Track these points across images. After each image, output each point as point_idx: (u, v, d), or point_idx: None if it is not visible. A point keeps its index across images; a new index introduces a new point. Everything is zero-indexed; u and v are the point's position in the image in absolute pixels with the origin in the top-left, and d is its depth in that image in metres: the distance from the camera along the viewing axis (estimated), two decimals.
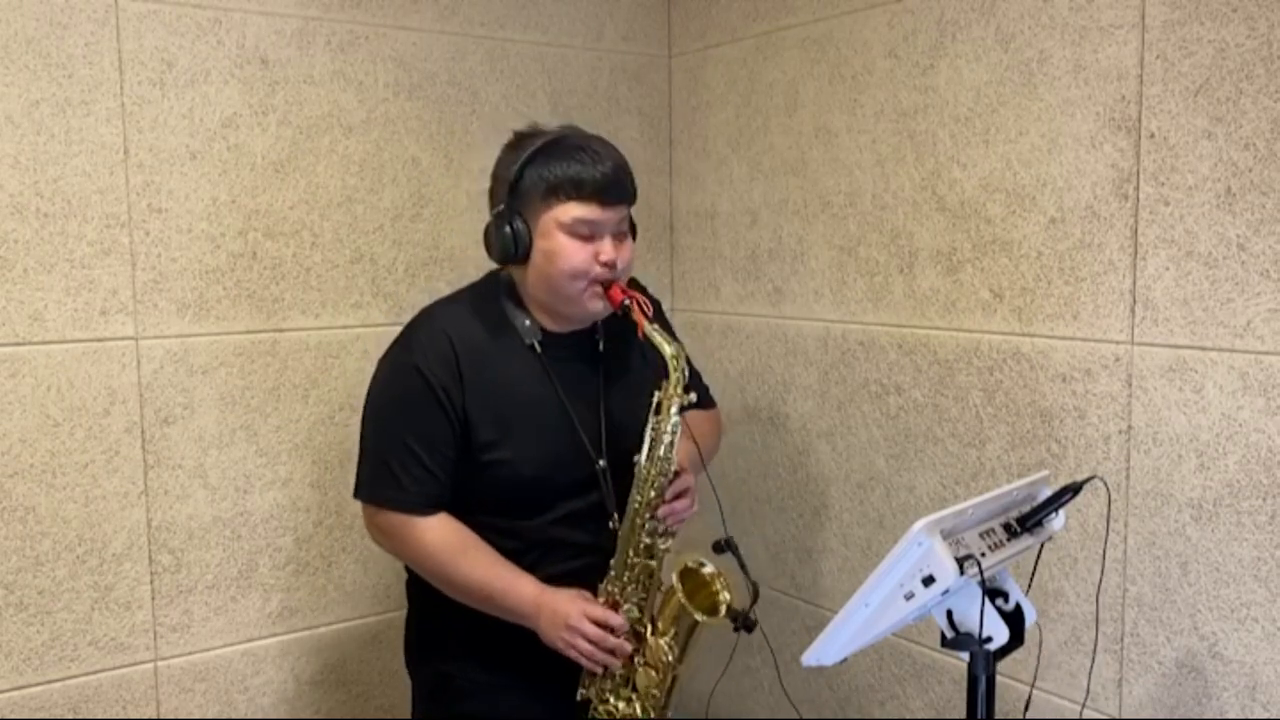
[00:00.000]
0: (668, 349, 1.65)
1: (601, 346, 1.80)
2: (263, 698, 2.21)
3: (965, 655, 1.42)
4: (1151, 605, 1.76)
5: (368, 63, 2.23)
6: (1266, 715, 1.64)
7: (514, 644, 1.72)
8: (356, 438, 2.23)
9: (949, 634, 1.43)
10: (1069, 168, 1.82)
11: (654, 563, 1.71)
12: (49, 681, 1.98)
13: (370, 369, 2.23)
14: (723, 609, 1.71)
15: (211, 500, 2.11)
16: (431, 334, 1.71)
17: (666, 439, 1.66)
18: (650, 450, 1.67)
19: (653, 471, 1.67)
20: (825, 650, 1.43)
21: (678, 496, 1.71)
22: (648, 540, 1.69)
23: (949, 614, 1.42)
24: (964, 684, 1.45)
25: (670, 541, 1.72)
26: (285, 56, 2.13)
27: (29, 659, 1.96)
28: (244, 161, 2.10)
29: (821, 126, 2.27)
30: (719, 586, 1.73)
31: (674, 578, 1.72)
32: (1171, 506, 1.72)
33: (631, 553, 1.69)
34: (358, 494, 1.76)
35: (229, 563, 2.14)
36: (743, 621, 1.67)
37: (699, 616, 1.69)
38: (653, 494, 1.68)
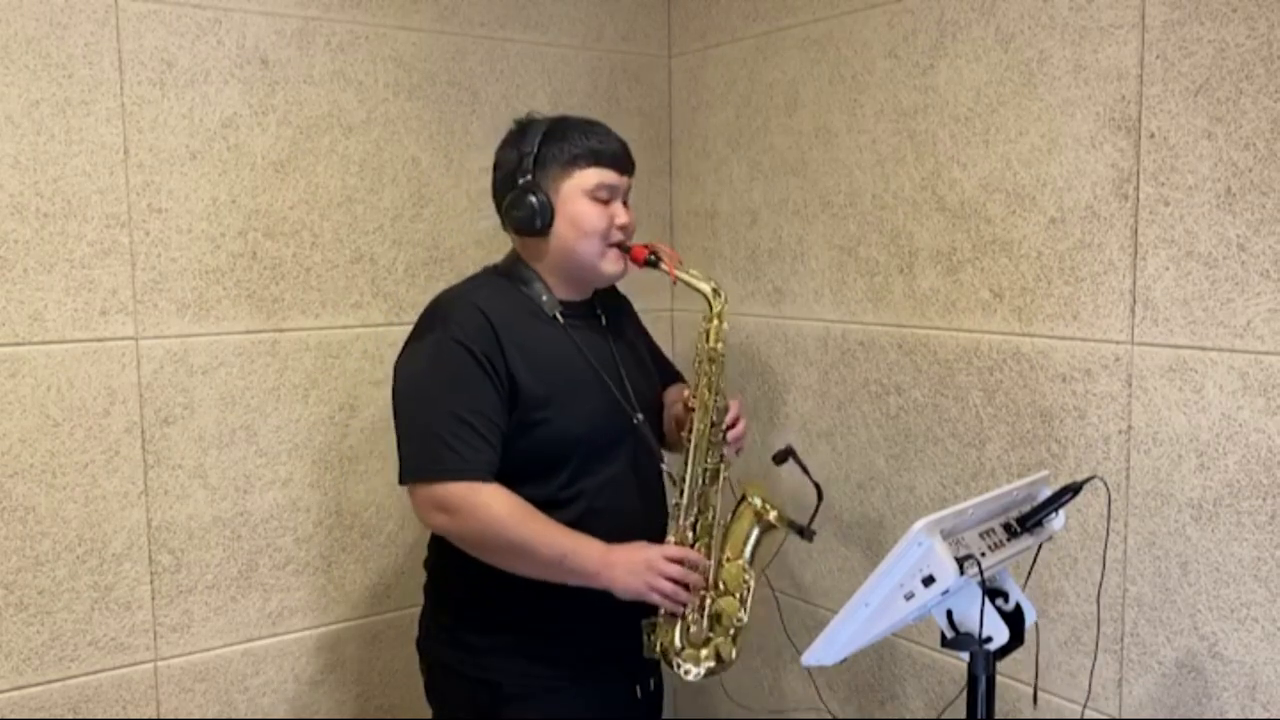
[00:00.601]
0: (704, 285, 1.80)
1: (604, 321, 1.87)
2: (263, 698, 2.21)
3: (965, 655, 1.42)
4: (1151, 605, 1.76)
5: (368, 63, 2.23)
6: (1266, 715, 1.64)
7: (559, 644, 1.73)
8: (357, 438, 2.26)
9: (949, 634, 1.43)
10: (1069, 168, 1.82)
11: (715, 492, 1.79)
12: (49, 681, 1.98)
13: (370, 369, 2.26)
14: (779, 524, 1.80)
15: (211, 500, 2.11)
16: (463, 309, 1.73)
17: (717, 364, 1.78)
18: (707, 377, 1.78)
19: (709, 399, 1.78)
20: (825, 650, 1.43)
21: (733, 423, 1.81)
22: (711, 467, 1.78)
23: (949, 614, 1.42)
24: (964, 684, 1.45)
25: (728, 470, 1.80)
26: (285, 56, 2.13)
27: (29, 659, 1.95)
28: (244, 161, 2.10)
29: (821, 126, 2.27)
30: (769, 507, 1.81)
31: (746, 493, 1.81)
32: (1171, 506, 1.72)
33: (697, 482, 1.77)
34: (409, 477, 1.70)
35: (229, 563, 2.14)
36: (806, 531, 1.77)
37: (772, 517, 1.78)
38: (708, 423, 1.77)
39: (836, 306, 2.27)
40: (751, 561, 1.79)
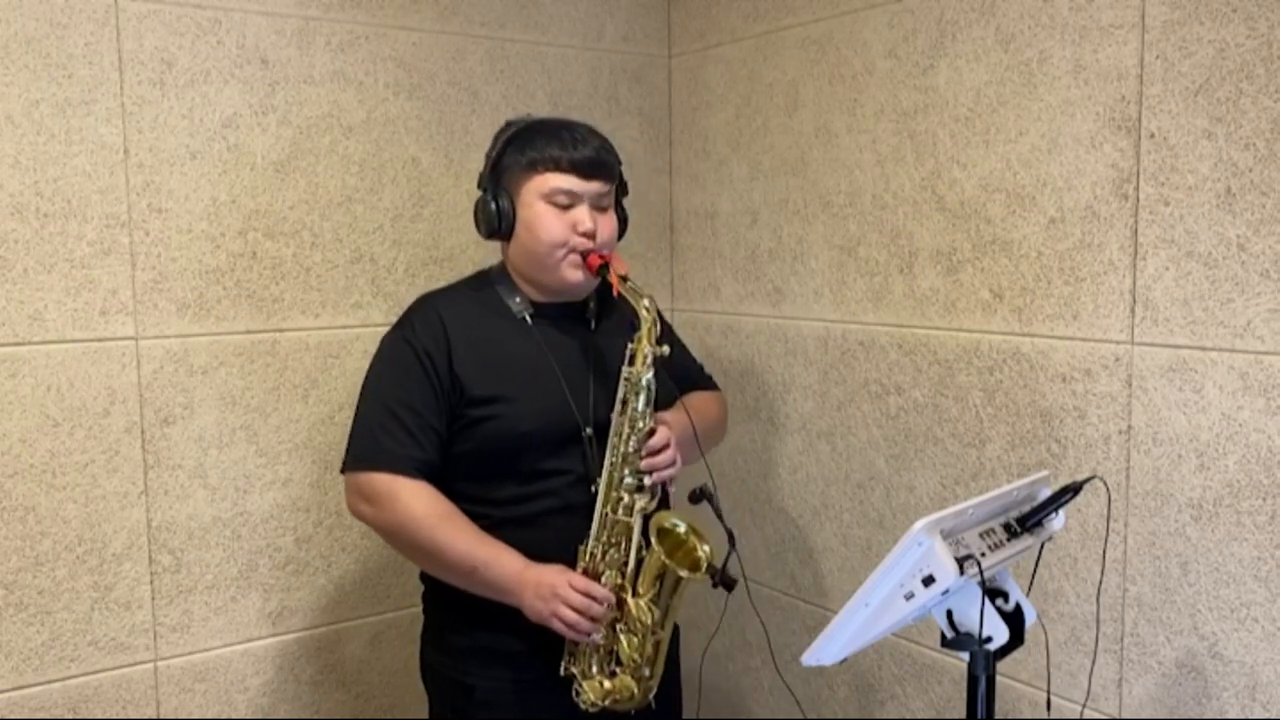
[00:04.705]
0: (641, 300, 1.70)
1: (594, 325, 1.83)
2: (263, 698, 2.21)
3: (965, 655, 1.42)
4: (1151, 605, 1.76)
5: (368, 63, 2.23)
6: (1266, 715, 1.64)
7: (536, 652, 1.72)
8: None
9: (949, 634, 1.43)
10: (1069, 168, 1.82)
11: (632, 521, 1.69)
12: (49, 681, 1.98)
13: None
14: (704, 565, 1.69)
15: (211, 500, 2.11)
16: (423, 312, 1.78)
17: (641, 392, 1.69)
18: (624, 401, 1.70)
19: (624, 424, 1.70)
20: (825, 650, 1.43)
21: (656, 452, 1.71)
22: (625, 497, 1.69)
23: (949, 614, 1.42)
24: (964, 684, 1.45)
25: (647, 500, 1.70)
26: (285, 56, 2.13)
27: (29, 659, 1.96)
28: (244, 161, 2.10)
29: (821, 126, 2.27)
30: (694, 543, 1.72)
31: (653, 537, 1.70)
32: (1171, 506, 1.72)
33: (609, 510, 1.69)
34: (343, 467, 1.76)
35: (229, 563, 2.14)
36: (721, 578, 1.66)
37: (682, 573, 1.68)
38: (628, 449, 1.69)
39: (836, 306, 2.27)
40: (661, 601, 1.69)
